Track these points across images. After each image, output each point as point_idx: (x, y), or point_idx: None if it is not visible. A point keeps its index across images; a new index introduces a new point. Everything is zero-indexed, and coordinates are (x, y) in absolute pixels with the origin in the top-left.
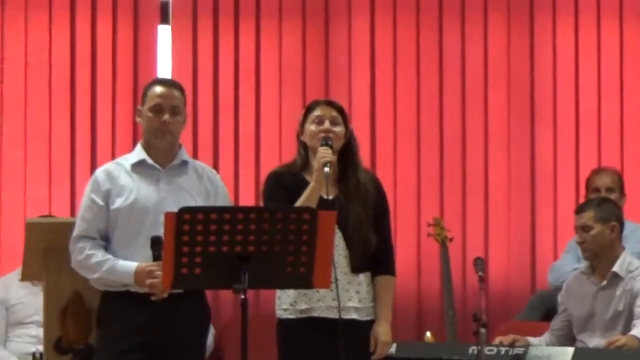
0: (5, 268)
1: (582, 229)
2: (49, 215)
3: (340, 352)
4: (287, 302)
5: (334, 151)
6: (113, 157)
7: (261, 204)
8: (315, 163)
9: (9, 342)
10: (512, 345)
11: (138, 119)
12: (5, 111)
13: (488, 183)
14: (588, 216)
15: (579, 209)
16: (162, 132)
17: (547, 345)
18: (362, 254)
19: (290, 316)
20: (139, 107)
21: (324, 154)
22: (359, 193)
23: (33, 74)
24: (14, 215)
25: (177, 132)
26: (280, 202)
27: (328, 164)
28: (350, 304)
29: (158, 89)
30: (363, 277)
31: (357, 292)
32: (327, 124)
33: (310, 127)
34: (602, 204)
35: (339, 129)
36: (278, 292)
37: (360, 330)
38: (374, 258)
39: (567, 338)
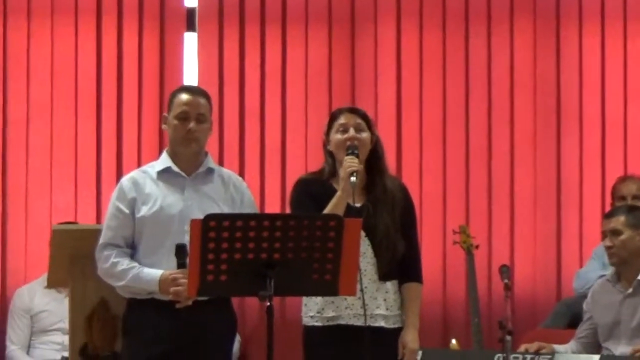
0: (32, 275)
1: (612, 233)
2: (73, 222)
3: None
4: (314, 310)
5: (360, 159)
6: (139, 164)
7: (288, 211)
8: (341, 172)
9: (34, 349)
10: (537, 352)
11: (164, 126)
12: (32, 118)
13: (514, 190)
14: (618, 221)
15: (609, 214)
16: (187, 140)
17: (573, 353)
18: (390, 261)
19: (317, 324)
20: (165, 114)
21: (351, 164)
22: (386, 200)
23: (59, 80)
24: (39, 222)
25: (203, 139)
26: (307, 210)
27: (355, 173)
28: (377, 311)
29: (184, 96)
30: (390, 285)
31: (385, 299)
32: (351, 132)
33: (336, 136)
34: (632, 211)
35: (365, 135)
36: (305, 299)
37: (388, 338)
38: (401, 265)
39: (593, 346)
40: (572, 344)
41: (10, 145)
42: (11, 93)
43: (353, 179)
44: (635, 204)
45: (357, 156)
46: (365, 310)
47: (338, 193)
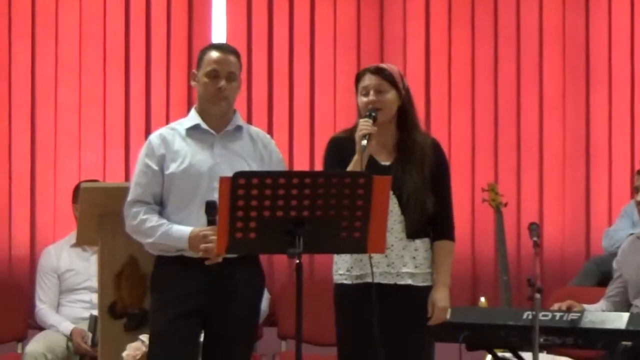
0: (60, 233)
1: None
2: (96, 181)
3: (395, 318)
4: (343, 268)
5: (384, 120)
6: (167, 122)
7: (316, 169)
8: (356, 136)
9: (62, 307)
10: (567, 310)
11: (193, 83)
12: (60, 77)
13: (543, 148)
14: None
15: None
16: (217, 98)
17: (603, 311)
18: (418, 219)
19: (346, 281)
20: (194, 71)
21: (363, 127)
22: (415, 157)
23: (88, 39)
24: (68, 181)
25: (232, 98)
26: (337, 168)
27: (366, 137)
28: (405, 269)
29: (214, 54)
30: (420, 243)
31: (414, 257)
32: (371, 95)
33: (359, 99)
34: None
35: (388, 96)
36: (335, 257)
37: (417, 296)
38: (432, 223)
39: (623, 304)
40: (602, 303)
41: (39, 105)
42: (40, 53)
43: (364, 142)
44: None
45: (375, 119)
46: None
47: (355, 156)
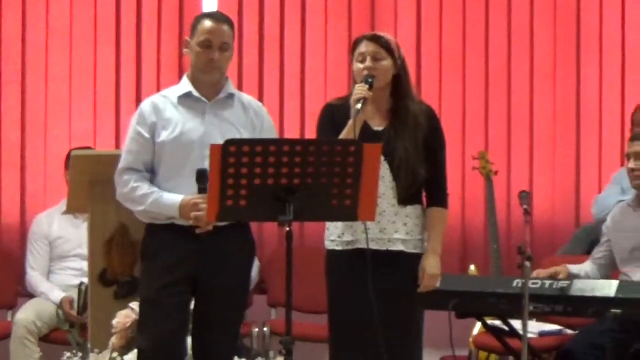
0: (51, 201)
1: (636, 156)
2: (89, 148)
3: (385, 284)
4: (335, 234)
5: (379, 87)
6: (158, 89)
7: (307, 136)
8: (351, 100)
9: (53, 274)
10: (554, 278)
11: (185, 51)
12: (51, 45)
13: (533, 117)
14: None
15: (635, 137)
16: (209, 69)
17: (589, 275)
18: (410, 186)
19: (337, 248)
20: (187, 38)
21: (358, 91)
22: (408, 124)
23: (78, 7)
24: (59, 148)
25: (224, 67)
26: (330, 136)
27: (361, 101)
28: (396, 235)
29: (208, 23)
30: (412, 209)
31: (405, 224)
32: (368, 62)
33: (355, 65)
34: None
35: (384, 63)
36: (327, 224)
37: (408, 263)
38: (425, 190)
39: (608, 268)
40: (587, 265)
41: (29, 72)
42: (30, 20)
43: (358, 106)
44: None
45: (371, 85)
46: (366, 236)
47: (350, 121)
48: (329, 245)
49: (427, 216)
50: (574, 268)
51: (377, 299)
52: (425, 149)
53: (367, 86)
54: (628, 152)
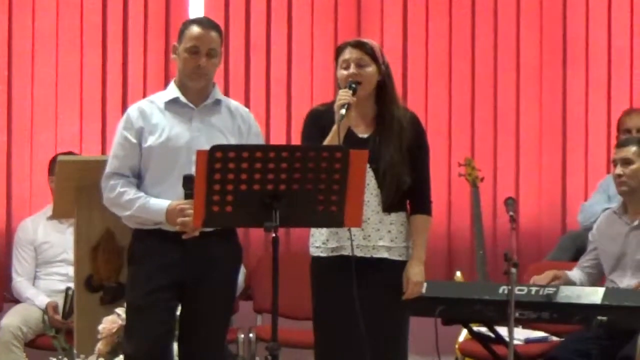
0: (36, 206)
1: (622, 162)
2: (72, 153)
3: (370, 291)
4: (319, 240)
5: (363, 94)
6: (144, 95)
7: (292, 142)
8: (335, 106)
9: (38, 280)
10: (542, 285)
11: (173, 56)
12: (37, 50)
13: (519, 123)
14: (630, 150)
15: (621, 143)
16: (196, 75)
17: (581, 282)
18: (394, 193)
19: (322, 254)
20: (175, 44)
21: (341, 97)
22: (393, 131)
23: (65, 11)
24: (44, 154)
25: (211, 74)
26: (314, 141)
27: (345, 106)
28: (381, 242)
29: (196, 29)
30: (396, 217)
31: (389, 231)
32: (352, 69)
33: (339, 72)
34: None
35: (369, 69)
36: (312, 230)
37: (393, 270)
38: (409, 197)
39: (597, 277)
40: (577, 272)
41: (15, 77)
42: (16, 25)
43: (342, 111)
44: None
45: (355, 91)
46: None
47: (334, 127)
48: (314, 251)
49: (411, 223)
50: (571, 274)
51: (361, 305)
52: (409, 156)
53: (351, 91)
54: (614, 158)
